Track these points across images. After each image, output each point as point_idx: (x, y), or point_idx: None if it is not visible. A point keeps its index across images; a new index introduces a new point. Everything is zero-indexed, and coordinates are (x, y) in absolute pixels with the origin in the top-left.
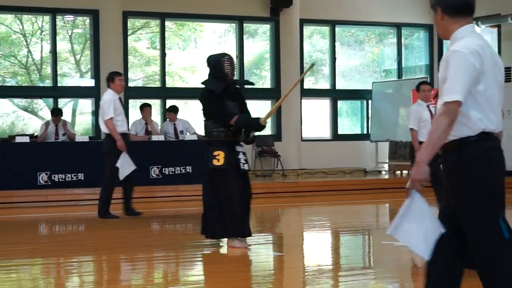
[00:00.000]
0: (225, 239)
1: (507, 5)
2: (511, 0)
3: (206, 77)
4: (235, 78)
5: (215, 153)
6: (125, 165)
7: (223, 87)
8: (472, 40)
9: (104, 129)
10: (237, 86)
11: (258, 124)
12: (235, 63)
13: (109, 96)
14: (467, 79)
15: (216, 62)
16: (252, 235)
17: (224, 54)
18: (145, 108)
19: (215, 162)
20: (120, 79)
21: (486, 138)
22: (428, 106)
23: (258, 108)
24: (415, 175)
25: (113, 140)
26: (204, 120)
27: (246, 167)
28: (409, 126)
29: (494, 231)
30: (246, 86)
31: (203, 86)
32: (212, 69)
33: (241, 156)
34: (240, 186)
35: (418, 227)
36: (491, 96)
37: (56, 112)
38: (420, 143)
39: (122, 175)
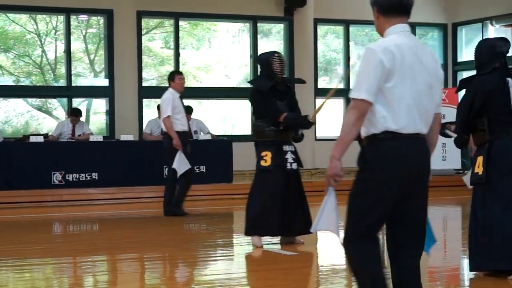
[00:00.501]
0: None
1: None
2: None
3: (254, 76)
4: (284, 76)
5: (263, 153)
6: (180, 164)
7: (271, 85)
8: (392, 39)
9: (164, 127)
10: (288, 85)
11: (306, 121)
12: (284, 61)
13: (168, 95)
14: (373, 76)
15: (265, 61)
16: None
17: (274, 52)
18: None
19: (262, 163)
20: (180, 77)
21: (392, 137)
22: None
23: None
24: (328, 171)
25: (171, 138)
26: (254, 120)
27: (294, 166)
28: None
29: (350, 231)
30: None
31: (250, 85)
32: (261, 68)
33: (288, 155)
34: (283, 186)
35: (333, 213)
36: (402, 96)
37: (76, 113)
38: None
39: (178, 173)
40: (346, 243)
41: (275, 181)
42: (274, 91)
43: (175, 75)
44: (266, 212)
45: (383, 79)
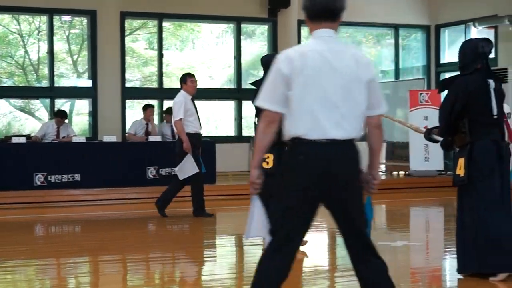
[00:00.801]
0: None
1: (504, 6)
2: (508, 1)
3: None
4: None
5: (265, 155)
6: (187, 167)
7: None
8: (305, 44)
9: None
10: None
11: None
12: None
13: (180, 98)
14: (273, 85)
15: (269, 62)
16: None
17: (276, 54)
18: (148, 109)
19: (264, 165)
20: (192, 80)
21: (298, 143)
22: None
23: (253, 108)
24: (250, 180)
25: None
26: (257, 122)
27: None
28: None
29: (271, 230)
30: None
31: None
32: (265, 69)
33: None
34: None
35: (262, 220)
36: (303, 102)
37: (61, 115)
38: None
39: (181, 176)
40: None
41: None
42: None
43: (187, 77)
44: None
45: (285, 86)
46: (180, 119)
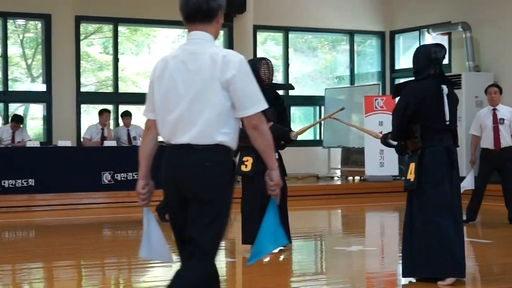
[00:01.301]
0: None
1: (458, 13)
2: (461, 8)
3: None
4: (273, 82)
5: (244, 158)
6: None
7: None
8: (172, 51)
9: None
10: (276, 92)
11: (287, 138)
12: (272, 67)
13: None
14: (148, 93)
15: (252, 67)
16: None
17: (261, 59)
18: (104, 114)
19: (243, 168)
20: None
21: (166, 148)
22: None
23: None
24: (136, 190)
25: None
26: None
27: None
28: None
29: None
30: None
31: None
32: None
33: None
34: (264, 192)
35: (159, 239)
36: (161, 107)
37: (17, 119)
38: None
39: None
40: None
41: (258, 187)
42: None
43: None
44: (244, 219)
45: (152, 93)
46: None
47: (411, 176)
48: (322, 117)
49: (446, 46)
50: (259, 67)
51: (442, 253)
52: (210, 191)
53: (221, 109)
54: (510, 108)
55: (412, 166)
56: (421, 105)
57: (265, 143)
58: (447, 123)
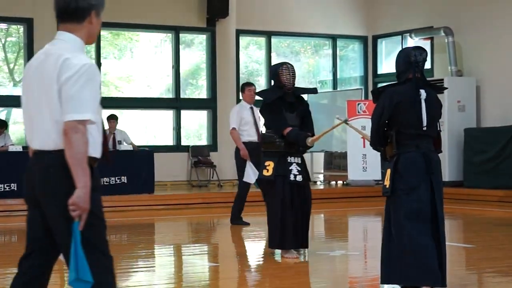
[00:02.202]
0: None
1: (440, 18)
2: (443, 13)
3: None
4: (296, 86)
5: (266, 163)
6: (250, 174)
7: (276, 97)
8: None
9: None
10: (300, 95)
11: (304, 143)
12: (294, 72)
13: (236, 107)
14: None
15: (274, 72)
16: (304, 247)
17: (283, 63)
18: None
19: (264, 172)
20: (249, 89)
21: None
22: None
23: (194, 118)
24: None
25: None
26: (262, 132)
27: (298, 178)
28: None
29: None
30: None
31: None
32: (272, 79)
33: (293, 167)
34: (287, 196)
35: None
36: (26, 113)
37: (1, 124)
38: None
39: (250, 181)
40: None
41: (280, 192)
42: (283, 103)
43: (245, 86)
44: (268, 223)
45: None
46: (234, 128)
47: (387, 182)
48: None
49: (429, 51)
50: (280, 72)
51: (415, 261)
52: (53, 200)
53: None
54: None
55: (388, 172)
56: (396, 110)
57: (72, 154)
58: (424, 128)
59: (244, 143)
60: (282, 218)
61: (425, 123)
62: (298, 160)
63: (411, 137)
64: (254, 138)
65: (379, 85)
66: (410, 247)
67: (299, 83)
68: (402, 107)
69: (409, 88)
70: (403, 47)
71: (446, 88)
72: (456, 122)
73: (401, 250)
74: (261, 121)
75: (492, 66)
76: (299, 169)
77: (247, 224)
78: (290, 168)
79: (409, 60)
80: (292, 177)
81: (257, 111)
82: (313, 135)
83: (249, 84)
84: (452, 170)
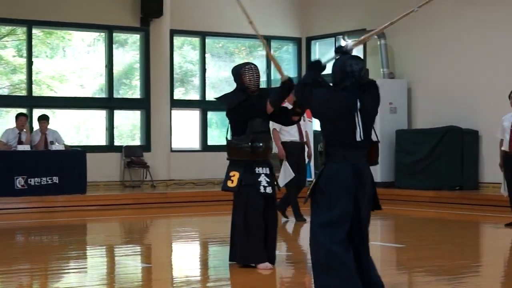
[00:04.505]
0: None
1: (372, 20)
2: (376, 16)
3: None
4: (263, 87)
5: (231, 173)
6: (285, 173)
7: (240, 101)
8: None
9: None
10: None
11: (285, 85)
12: (258, 72)
13: None
14: None
15: (236, 73)
16: (272, 262)
17: (246, 63)
18: (20, 117)
19: (228, 183)
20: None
21: None
22: None
23: (127, 118)
24: None
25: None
26: (230, 137)
27: (268, 190)
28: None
29: None
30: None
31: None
32: (235, 81)
33: (262, 178)
34: (255, 208)
35: None
36: None
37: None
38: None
39: (281, 182)
40: None
41: (240, 201)
42: (248, 106)
43: None
44: (254, 238)
45: None
46: (274, 128)
47: (308, 192)
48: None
49: (361, 53)
50: (243, 73)
51: (331, 272)
52: None
53: None
54: None
55: (314, 181)
56: (326, 116)
57: None
58: (358, 139)
59: (286, 142)
60: (247, 231)
61: (359, 134)
62: (267, 170)
63: (343, 147)
64: (297, 138)
65: None
66: (326, 261)
67: (234, 83)
68: (334, 116)
69: (344, 96)
70: (339, 57)
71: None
72: (387, 124)
73: (318, 260)
74: (305, 121)
75: (423, 68)
76: (268, 180)
77: (286, 218)
78: (259, 179)
79: (345, 70)
80: (262, 189)
81: None
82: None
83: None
84: (383, 171)
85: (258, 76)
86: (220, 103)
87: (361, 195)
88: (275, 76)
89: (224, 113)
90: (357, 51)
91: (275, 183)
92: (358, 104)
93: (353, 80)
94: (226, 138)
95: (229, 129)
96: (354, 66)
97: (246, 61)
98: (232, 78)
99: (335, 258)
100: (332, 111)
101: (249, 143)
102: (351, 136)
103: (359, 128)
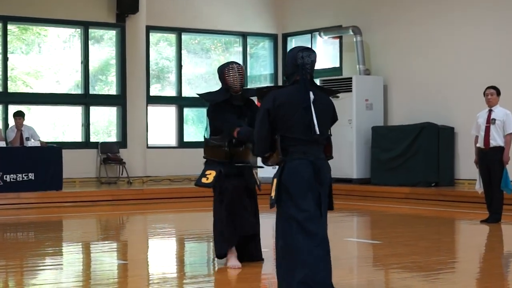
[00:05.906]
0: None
1: (349, 17)
2: (352, 13)
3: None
4: (247, 88)
5: (207, 172)
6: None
7: (222, 100)
8: None
9: None
10: (251, 99)
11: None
12: (242, 72)
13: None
14: None
15: (220, 72)
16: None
17: (229, 63)
18: None
19: (203, 180)
20: None
21: None
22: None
23: (103, 115)
24: None
25: None
26: (208, 136)
27: (249, 180)
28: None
29: None
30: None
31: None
32: (220, 80)
33: (242, 170)
34: (239, 194)
35: None
36: None
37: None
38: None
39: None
40: None
41: (216, 197)
42: (231, 107)
43: None
44: (229, 233)
45: None
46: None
47: (273, 193)
48: None
49: (337, 49)
50: (226, 72)
51: (300, 270)
52: None
53: None
54: (507, 110)
55: (274, 182)
56: (279, 112)
57: None
58: (315, 135)
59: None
60: (227, 226)
61: (315, 128)
62: (246, 168)
63: (298, 143)
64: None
65: None
66: (294, 259)
67: (210, 80)
68: (286, 110)
69: (296, 90)
70: (292, 48)
71: (339, 93)
72: (364, 120)
73: (288, 261)
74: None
75: (399, 65)
76: (249, 174)
77: None
78: (239, 170)
79: (296, 63)
80: (243, 180)
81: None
82: None
83: None
84: (359, 168)
85: (242, 76)
86: (200, 100)
87: (323, 193)
88: (252, 73)
89: (200, 109)
90: (333, 47)
91: (257, 183)
92: (312, 96)
93: (305, 73)
94: (204, 136)
95: (208, 127)
96: (306, 58)
97: (223, 57)
98: (208, 75)
99: (303, 252)
100: (283, 105)
101: (227, 143)
102: (306, 130)
103: (316, 121)
